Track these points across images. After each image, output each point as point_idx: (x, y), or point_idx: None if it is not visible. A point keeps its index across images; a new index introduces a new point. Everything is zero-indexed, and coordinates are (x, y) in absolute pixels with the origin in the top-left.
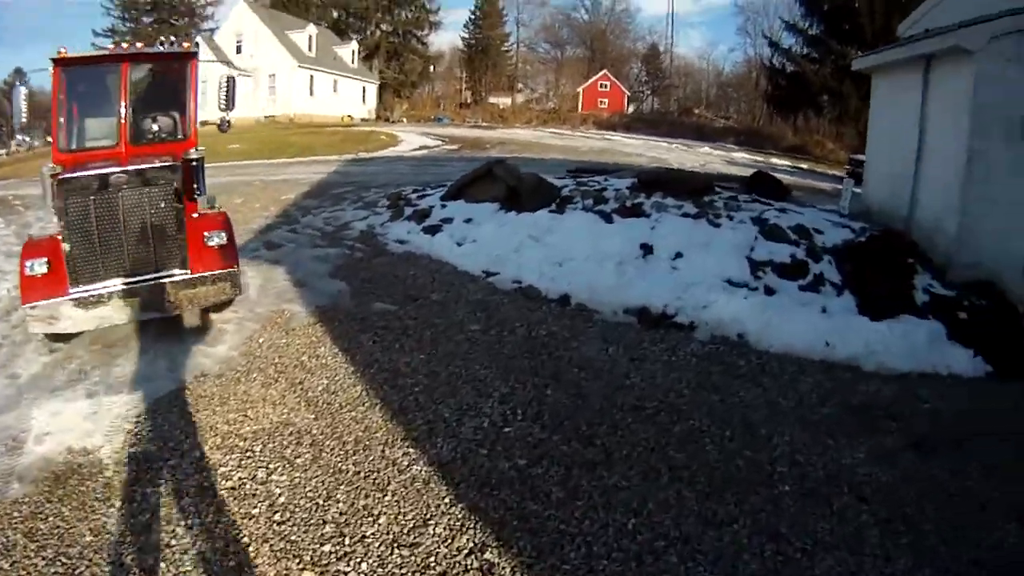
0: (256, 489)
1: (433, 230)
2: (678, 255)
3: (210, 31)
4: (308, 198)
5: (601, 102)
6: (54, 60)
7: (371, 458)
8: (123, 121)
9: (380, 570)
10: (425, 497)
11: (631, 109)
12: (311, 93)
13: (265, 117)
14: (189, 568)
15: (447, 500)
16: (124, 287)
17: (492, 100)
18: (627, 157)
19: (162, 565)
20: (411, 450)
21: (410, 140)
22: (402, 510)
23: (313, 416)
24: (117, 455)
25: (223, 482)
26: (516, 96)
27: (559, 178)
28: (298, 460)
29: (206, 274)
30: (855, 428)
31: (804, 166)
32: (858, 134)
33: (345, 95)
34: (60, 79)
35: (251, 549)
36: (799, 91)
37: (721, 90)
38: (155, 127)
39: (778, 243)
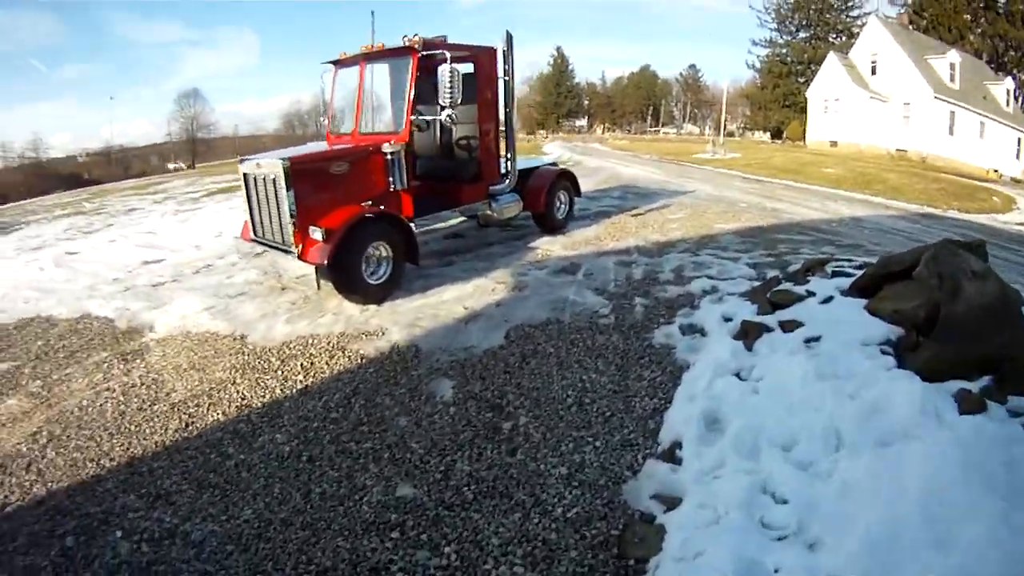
0: None
1: (751, 333)
2: None
3: (844, 50)
4: (739, 236)
5: None
6: (332, 61)
7: None
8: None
9: None
10: None
11: None
12: (950, 132)
13: (896, 150)
14: None
15: None
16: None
17: None
18: None
19: None
20: None
21: None
22: None
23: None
24: None
25: None
26: None
27: None
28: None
29: (306, 261)
30: None
31: None
32: None
33: (993, 143)
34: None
35: None
36: None
37: None
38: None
39: None
